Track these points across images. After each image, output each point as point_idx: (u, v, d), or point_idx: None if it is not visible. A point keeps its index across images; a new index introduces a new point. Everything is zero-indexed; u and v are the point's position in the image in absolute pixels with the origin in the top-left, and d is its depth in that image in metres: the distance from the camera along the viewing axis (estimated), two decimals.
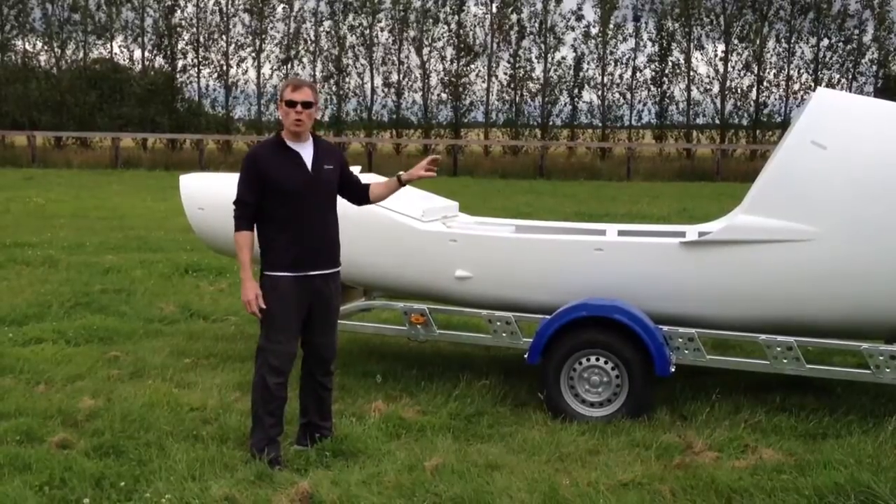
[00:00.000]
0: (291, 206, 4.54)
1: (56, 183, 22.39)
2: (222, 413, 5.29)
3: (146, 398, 5.46)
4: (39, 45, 36.48)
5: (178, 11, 36.28)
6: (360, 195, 4.95)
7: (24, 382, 5.88)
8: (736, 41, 33.74)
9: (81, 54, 36.38)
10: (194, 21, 36.30)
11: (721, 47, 33.86)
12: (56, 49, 36.28)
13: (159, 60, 36.60)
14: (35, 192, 19.58)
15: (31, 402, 5.40)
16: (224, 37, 36.10)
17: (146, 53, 36.54)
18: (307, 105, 4.55)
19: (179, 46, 36.36)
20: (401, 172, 4.90)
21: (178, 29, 36.33)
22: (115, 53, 36.77)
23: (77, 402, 5.39)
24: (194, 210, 6.58)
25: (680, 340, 5.38)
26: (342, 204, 5.77)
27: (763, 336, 5.29)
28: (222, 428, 5.02)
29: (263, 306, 4.50)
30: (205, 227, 6.59)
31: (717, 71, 34.05)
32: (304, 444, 4.81)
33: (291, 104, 4.53)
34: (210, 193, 6.60)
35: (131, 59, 36.72)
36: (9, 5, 35.91)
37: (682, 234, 6.06)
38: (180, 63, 36.42)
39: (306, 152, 4.62)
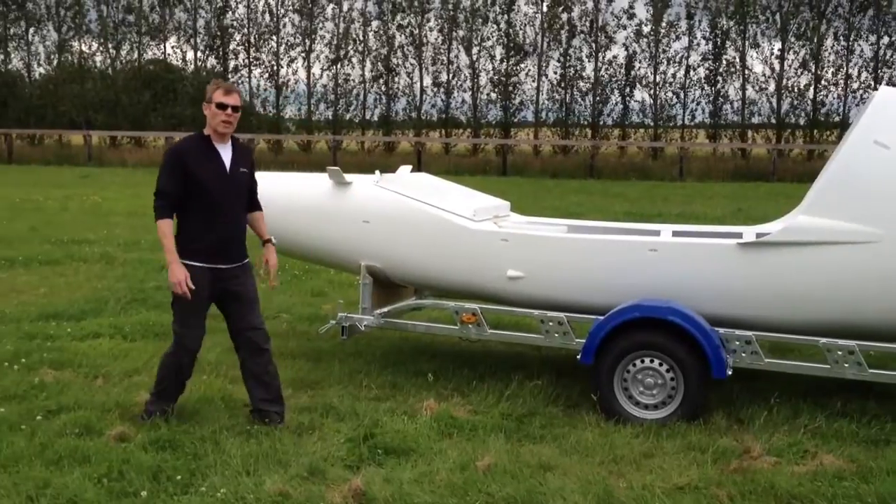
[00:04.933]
0: (208, 202, 4.87)
1: (111, 181, 22.82)
2: None
3: (201, 393, 5.52)
4: (95, 45, 37.41)
5: (230, 12, 36.83)
6: (250, 207, 5.25)
7: (82, 376, 6.00)
8: (793, 39, 33.09)
9: (136, 55, 37.15)
10: (245, 22, 36.81)
11: (777, 45, 33.32)
12: (111, 50, 37.10)
13: (211, 61, 37.22)
14: (91, 190, 19.98)
15: (90, 396, 5.50)
16: (274, 37, 36.51)
17: (199, 54, 37.17)
18: (236, 109, 4.90)
19: (231, 47, 36.93)
20: (272, 241, 5.31)
21: (230, 30, 36.86)
22: (169, 54, 37.54)
23: (134, 395, 5.47)
24: None
25: (737, 343, 5.28)
26: (393, 203, 5.87)
27: (823, 339, 5.17)
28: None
29: (193, 287, 4.81)
30: None
31: (772, 69, 33.47)
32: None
33: (223, 107, 4.86)
34: (264, 192, 6.62)
35: (184, 59, 37.42)
36: (65, 7, 36.77)
37: (739, 236, 5.94)
38: (232, 63, 37.02)
39: (226, 154, 4.96)
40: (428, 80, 35.81)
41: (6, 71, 37.25)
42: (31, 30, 37.29)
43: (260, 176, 7.05)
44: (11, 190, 19.65)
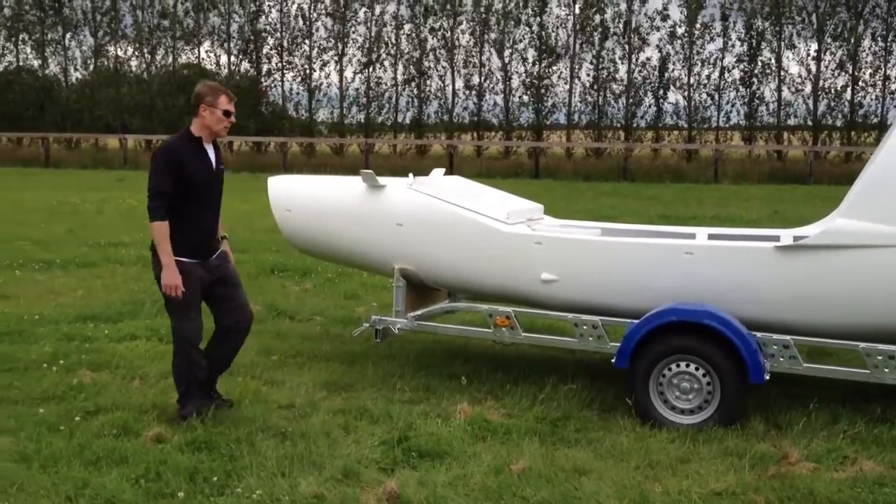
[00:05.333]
0: (197, 199, 5.07)
1: (146, 185, 23.00)
2: (310, 411, 5.35)
3: (236, 395, 5.56)
4: (130, 50, 37.88)
5: (263, 17, 37.12)
6: None
7: (119, 377, 6.06)
8: (829, 40, 32.62)
9: (170, 59, 37.62)
10: (278, 26, 37.05)
11: (814, 46, 32.85)
12: (146, 54, 37.54)
13: (245, 65, 37.55)
14: (127, 193, 20.18)
15: (127, 397, 5.57)
16: (307, 41, 36.71)
17: (232, 58, 37.50)
18: (234, 115, 5.20)
19: (264, 51, 37.20)
20: (226, 237, 5.47)
21: (263, 34, 37.14)
22: (203, 58, 37.92)
23: (170, 397, 5.49)
24: (282, 211, 6.67)
25: (775, 347, 5.21)
26: (426, 206, 5.86)
27: (863, 344, 5.08)
28: (310, 425, 5.08)
29: (185, 290, 4.98)
30: (292, 227, 6.68)
31: (809, 70, 33.02)
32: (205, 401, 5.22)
33: (228, 114, 5.14)
34: (298, 195, 6.70)
35: (218, 63, 37.79)
36: (102, 12, 37.33)
37: (777, 239, 5.87)
38: (265, 67, 37.30)
39: (211, 153, 5.20)
40: (460, 83, 35.85)
41: (44, 76, 37.91)
42: (68, 35, 37.91)
43: (293, 179, 7.16)
44: (49, 193, 19.95)
